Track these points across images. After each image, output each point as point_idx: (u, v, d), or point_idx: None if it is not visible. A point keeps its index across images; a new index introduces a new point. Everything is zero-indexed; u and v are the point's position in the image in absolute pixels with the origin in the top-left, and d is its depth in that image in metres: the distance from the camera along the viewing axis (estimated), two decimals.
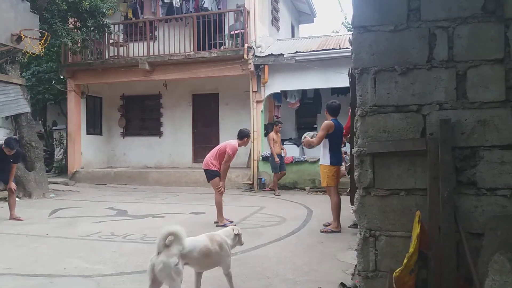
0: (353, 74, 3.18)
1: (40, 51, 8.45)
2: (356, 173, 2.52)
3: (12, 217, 6.76)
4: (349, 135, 4.54)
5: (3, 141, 7.01)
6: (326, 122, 5.60)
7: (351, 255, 4.46)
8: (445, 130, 2.30)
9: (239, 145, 6.31)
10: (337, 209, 5.59)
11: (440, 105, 2.39)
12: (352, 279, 3.73)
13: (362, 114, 2.51)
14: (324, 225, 5.89)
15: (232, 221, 6.19)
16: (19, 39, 8.05)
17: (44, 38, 8.48)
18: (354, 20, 2.55)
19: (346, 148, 10.66)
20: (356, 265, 4.04)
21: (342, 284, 3.47)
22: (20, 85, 9.94)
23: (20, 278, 3.85)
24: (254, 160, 10.71)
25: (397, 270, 2.16)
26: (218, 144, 12.26)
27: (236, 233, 3.50)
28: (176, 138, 13.07)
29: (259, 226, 6.11)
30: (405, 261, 2.15)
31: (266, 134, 11.45)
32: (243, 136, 6.42)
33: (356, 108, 2.54)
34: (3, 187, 8.71)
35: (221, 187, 6.17)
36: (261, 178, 10.53)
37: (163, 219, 6.77)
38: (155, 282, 2.84)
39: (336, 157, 5.58)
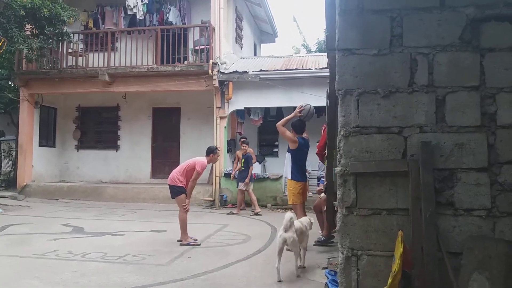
0: (332, 94, 3.26)
1: None
2: (339, 193, 2.55)
3: None
4: (324, 154, 4.61)
5: None
6: (292, 136, 5.75)
7: (319, 274, 4.47)
8: (426, 152, 2.39)
9: (208, 161, 6.25)
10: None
11: (421, 127, 2.48)
12: None
13: (345, 135, 2.55)
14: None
15: (196, 239, 6.05)
16: None
17: None
18: (339, 43, 2.61)
19: (320, 167, 10.85)
20: (326, 284, 4.07)
21: None
22: None
23: None
24: (216, 176, 10.60)
25: None
26: (178, 159, 12.32)
27: (312, 221, 4.96)
28: (134, 152, 12.69)
29: (224, 245, 6.00)
30: (389, 280, 2.18)
31: (229, 151, 11.42)
32: (210, 152, 6.36)
33: (339, 128, 2.59)
34: None
35: (187, 205, 6.03)
36: (223, 195, 10.43)
37: (122, 237, 6.48)
38: (281, 251, 4.27)
39: (299, 173, 5.65)
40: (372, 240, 2.49)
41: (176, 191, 6.05)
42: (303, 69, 10.21)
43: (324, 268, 4.67)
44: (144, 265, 4.80)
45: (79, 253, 5.24)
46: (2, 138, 13.31)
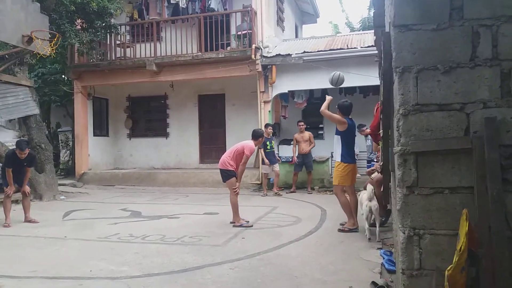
0: (386, 72, 3.19)
1: (51, 52, 8.43)
2: (398, 172, 2.52)
3: (27, 220, 6.74)
4: (379, 133, 4.53)
5: (15, 144, 6.98)
6: (340, 117, 5.65)
7: (374, 254, 4.48)
8: (490, 128, 2.30)
9: (256, 145, 6.36)
10: (352, 207, 5.62)
11: (484, 103, 2.39)
12: (380, 277, 3.74)
13: (404, 113, 2.50)
14: (340, 224, 5.89)
15: (248, 221, 6.19)
16: (30, 40, 8.02)
17: (55, 39, 8.45)
18: (395, 19, 2.55)
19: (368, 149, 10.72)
20: (382, 263, 4.07)
21: (373, 283, 3.48)
22: (28, 86, 9.91)
23: (48, 281, 3.84)
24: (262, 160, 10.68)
25: (448, 268, 2.16)
26: (225, 144, 12.54)
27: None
28: (182, 139, 13.07)
29: (276, 226, 6.11)
30: (456, 259, 2.15)
31: (273, 134, 11.45)
32: (258, 136, 6.46)
33: (398, 107, 2.54)
34: (17, 190, 8.71)
35: (237, 188, 6.17)
36: (270, 178, 10.52)
37: (178, 220, 6.76)
38: (368, 217, 5.24)
39: (349, 155, 5.57)
40: (434, 219, 2.46)
41: (227, 175, 6.21)
42: (347, 49, 10.00)
43: (379, 248, 4.66)
44: (201, 246, 5.00)
45: (139, 236, 5.54)
46: (59, 130, 14.11)
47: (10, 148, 8.26)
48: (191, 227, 6.08)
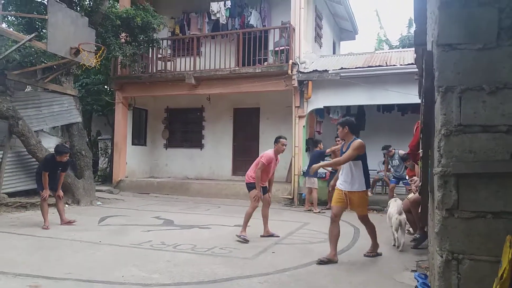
0: (427, 92, 3.14)
1: (95, 64, 8.81)
2: (438, 194, 2.45)
3: (64, 222, 6.99)
4: (418, 153, 4.42)
5: (54, 149, 7.28)
6: (359, 141, 4.95)
7: (408, 276, 4.34)
8: None
9: (275, 152, 6.28)
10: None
11: None
12: None
13: (446, 134, 2.44)
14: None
15: (279, 236, 6.18)
16: (77, 52, 8.43)
17: (100, 52, 8.84)
18: (439, 38, 2.51)
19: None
20: (416, 286, 3.92)
21: None
22: (73, 96, 10.40)
23: (82, 283, 3.95)
24: (294, 175, 10.66)
25: None
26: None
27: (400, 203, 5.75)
28: (216, 151, 13.23)
29: (307, 242, 6.04)
30: (497, 286, 2.05)
31: (307, 150, 11.39)
32: (275, 142, 6.38)
33: (439, 127, 2.48)
34: (53, 194, 9.07)
35: (256, 195, 6.11)
36: (302, 194, 10.44)
37: (209, 230, 6.81)
38: (397, 229, 5.56)
39: (368, 181, 5.10)
40: (475, 244, 2.36)
41: (249, 187, 6.28)
42: (386, 66, 9.87)
43: (413, 271, 4.51)
44: (231, 258, 5.00)
45: (171, 244, 5.61)
46: (99, 138, 14.65)
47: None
48: (222, 238, 6.11)
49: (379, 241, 6.03)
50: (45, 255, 4.99)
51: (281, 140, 6.33)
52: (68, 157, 7.18)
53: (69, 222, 7.01)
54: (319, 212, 9.22)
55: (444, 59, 2.50)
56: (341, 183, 5.06)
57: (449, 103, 2.47)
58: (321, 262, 4.76)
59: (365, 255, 5.21)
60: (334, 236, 4.96)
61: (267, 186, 6.46)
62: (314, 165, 5.42)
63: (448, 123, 2.46)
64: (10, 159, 9.11)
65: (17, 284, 3.89)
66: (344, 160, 4.93)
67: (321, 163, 5.16)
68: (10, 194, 8.93)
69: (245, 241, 5.87)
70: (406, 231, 6.39)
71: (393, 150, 9.64)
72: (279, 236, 6.20)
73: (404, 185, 8.86)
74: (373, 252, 5.24)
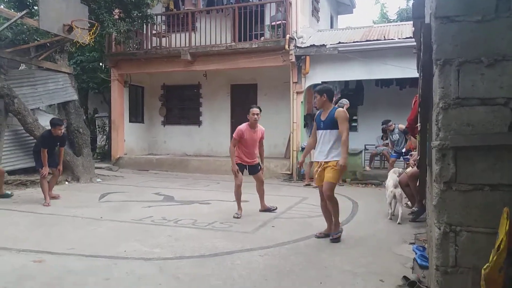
0: (425, 65, 3.11)
1: (90, 41, 8.68)
2: (436, 167, 2.47)
3: (51, 196, 7.04)
4: (416, 127, 4.42)
5: (50, 123, 7.27)
6: (343, 110, 4.73)
7: (406, 249, 4.43)
8: None
9: (249, 124, 5.99)
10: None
11: None
12: (412, 272, 3.69)
13: (444, 107, 2.44)
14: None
15: (276, 208, 6.39)
16: (70, 29, 8.30)
17: (93, 28, 8.69)
18: (437, 10, 2.47)
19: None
20: (414, 259, 4.01)
21: (404, 277, 3.45)
22: (68, 73, 10.30)
23: (85, 259, 4.01)
24: (293, 150, 10.70)
25: (485, 267, 2.11)
26: None
27: (397, 175, 5.95)
28: (214, 128, 13.22)
29: (306, 216, 6.12)
30: (494, 258, 2.10)
31: (305, 126, 11.39)
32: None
33: (438, 101, 2.48)
34: (51, 171, 9.11)
35: (232, 170, 6.07)
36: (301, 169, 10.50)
37: (209, 206, 6.89)
38: (391, 202, 5.72)
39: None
40: (472, 216, 2.40)
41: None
42: (385, 40, 9.76)
43: (411, 243, 4.60)
44: (231, 232, 5.09)
45: (171, 220, 5.68)
46: (96, 115, 14.60)
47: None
48: (222, 213, 6.18)
49: (377, 215, 6.15)
50: (47, 231, 5.06)
51: (251, 109, 5.98)
52: (63, 130, 7.23)
53: (55, 197, 7.12)
54: (310, 184, 9.31)
55: (442, 32, 2.47)
56: (317, 155, 4.79)
57: (447, 76, 2.45)
58: (319, 236, 4.81)
59: (332, 240, 4.68)
60: (328, 213, 4.90)
61: (259, 164, 6.26)
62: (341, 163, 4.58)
63: (446, 96, 2.45)
64: (7, 137, 9.10)
65: (21, 259, 3.96)
66: (348, 135, 4.61)
67: (343, 157, 4.57)
68: (10, 172, 8.95)
69: (237, 217, 5.84)
70: (405, 205, 6.51)
71: (393, 125, 9.68)
72: (276, 208, 6.33)
73: (404, 160, 8.92)
74: (338, 233, 4.74)
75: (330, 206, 4.78)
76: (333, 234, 4.75)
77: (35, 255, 4.06)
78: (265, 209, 6.35)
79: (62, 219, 5.78)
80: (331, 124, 4.66)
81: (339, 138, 4.63)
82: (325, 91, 4.80)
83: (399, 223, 5.55)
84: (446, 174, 2.44)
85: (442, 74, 2.48)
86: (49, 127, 7.43)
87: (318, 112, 4.99)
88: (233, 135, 6.06)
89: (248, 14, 10.85)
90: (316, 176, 4.85)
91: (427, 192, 3.85)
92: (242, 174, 6.11)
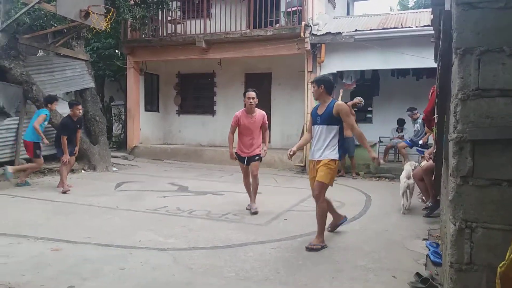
0: (444, 54, 3.02)
1: (106, 27, 8.69)
2: (453, 161, 2.40)
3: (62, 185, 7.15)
4: (433, 119, 4.31)
5: (70, 104, 7.48)
6: (342, 103, 4.40)
7: (420, 245, 4.36)
8: None
9: (245, 110, 5.65)
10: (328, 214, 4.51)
11: None
12: (425, 269, 3.64)
13: (463, 98, 2.36)
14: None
15: (255, 211, 5.68)
16: (86, 15, 8.28)
17: (110, 14, 8.69)
18: None
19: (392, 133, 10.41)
20: (427, 255, 3.95)
21: (417, 274, 3.39)
22: (85, 60, 10.35)
23: (101, 248, 4.07)
24: None
25: (500, 265, 2.05)
26: (269, 124, 12.42)
27: (413, 168, 6.00)
28: (229, 117, 12.90)
29: None
30: (511, 255, 2.04)
31: None
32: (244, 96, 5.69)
33: (456, 91, 2.40)
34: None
35: (230, 156, 5.92)
36: None
37: (222, 197, 6.90)
38: (405, 193, 5.79)
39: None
40: (488, 212, 2.33)
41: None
42: (402, 28, 9.52)
43: (424, 239, 4.53)
44: (245, 224, 5.09)
45: (186, 210, 5.71)
46: (112, 103, 14.70)
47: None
48: (235, 204, 6.19)
49: (390, 209, 6.07)
50: (64, 220, 5.15)
51: (247, 93, 5.59)
52: (81, 110, 7.49)
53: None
54: None
55: (464, 19, 2.37)
56: (312, 153, 4.34)
57: (467, 66, 2.36)
58: (311, 250, 4.06)
59: (307, 248, 4.11)
60: (328, 212, 4.42)
61: (258, 155, 5.74)
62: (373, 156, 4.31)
63: (465, 87, 2.36)
64: (26, 125, 9.22)
65: (39, 247, 4.04)
66: (357, 129, 4.33)
67: (371, 152, 4.28)
68: (28, 160, 9.11)
69: (250, 210, 5.63)
70: (419, 200, 6.43)
71: (418, 114, 9.42)
72: (255, 213, 5.60)
73: (418, 153, 8.76)
74: (317, 245, 4.13)
75: (317, 210, 4.22)
76: (311, 243, 4.13)
77: (52, 243, 4.14)
78: (249, 206, 5.77)
79: (78, 207, 5.88)
80: (329, 119, 4.18)
81: (336, 135, 4.21)
82: (323, 81, 4.33)
83: (403, 213, 5.74)
84: (463, 168, 2.37)
85: (461, 64, 2.39)
86: (66, 115, 7.54)
87: (316, 105, 4.50)
88: (231, 122, 5.81)
89: (263, 0, 10.71)
90: (310, 176, 4.40)
91: (442, 187, 3.77)
92: (245, 165, 5.75)
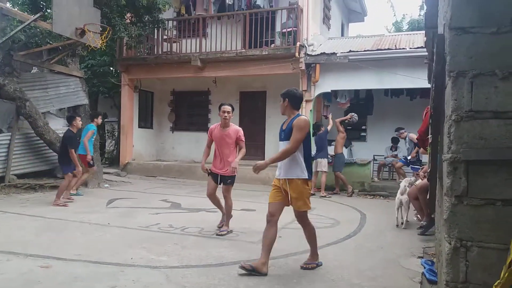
0: (438, 76, 3.08)
1: (101, 45, 8.75)
2: (447, 181, 2.43)
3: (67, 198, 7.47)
4: (426, 139, 4.36)
5: (69, 119, 7.89)
6: (303, 119, 3.91)
7: (415, 263, 4.35)
8: None
9: (220, 123, 5.51)
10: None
11: None
12: (421, 287, 3.62)
13: (456, 119, 2.40)
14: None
15: (222, 233, 5.41)
16: (82, 33, 8.37)
17: (105, 32, 8.77)
18: (452, 21, 2.44)
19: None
20: (422, 273, 3.93)
21: None
22: (79, 77, 10.38)
23: (91, 265, 4.00)
24: None
25: (495, 284, 2.06)
26: (264, 142, 12.59)
27: (407, 184, 6.25)
28: None
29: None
30: (505, 274, 2.04)
31: (314, 134, 11.32)
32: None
33: (450, 113, 2.44)
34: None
35: (201, 169, 5.71)
36: None
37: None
38: (399, 208, 6.09)
39: (310, 168, 4.00)
40: (484, 231, 2.34)
41: None
42: (396, 49, 9.73)
43: (419, 257, 4.53)
44: (238, 242, 5.05)
45: (178, 227, 5.67)
46: (106, 120, 14.64)
47: (61, 133, 8.78)
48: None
49: (385, 227, 6.08)
50: (54, 237, 5.07)
51: (222, 107, 5.39)
52: (81, 122, 7.96)
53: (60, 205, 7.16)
54: (325, 196, 9.23)
55: (457, 43, 2.44)
56: (277, 171, 4.04)
57: (460, 88, 2.42)
58: (243, 268, 3.81)
59: (302, 267, 4.09)
60: (268, 239, 3.94)
61: (231, 177, 5.50)
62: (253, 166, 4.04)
63: (459, 108, 2.41)
64: (18, 140, 9.18)
65: (28, 264, 3.97)
66: (293, 148, 3.81)
67: (265, 161, 3.98)
68: (19, 176, 9.04)
69: (220, 234, 5.31)
70: (415, 218, 6.46)
71: (405, 133, 9.86)
72: (226, 233, 5.38)
73: (412, 171, 8.83)
74: (312, 263, 4.12)
75: (305, 234, 4.19)
76: (306, 262, 4.11)
77: (43, 261, 4.07)
78: (220, 227, 5.57)
79: (69, 224, 5.80)
80: (290, 134, 3.86)
81: (300, 151, 3.88)
82: (288, 95, 3.99)
83: (397, 226, 6.09)
84: (458, 188, 2.39)
85: (455, 86, 2.44)
86: (59, 131, 7.55)
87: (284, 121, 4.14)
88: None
89: (259, 21, 10.89)
90: (273, 191, 4.05)
91: (436, 206, 3.79)
92: (216, 183, 5.54)
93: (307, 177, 3.89)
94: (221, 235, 5.29)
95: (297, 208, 3.96)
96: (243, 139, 5.58)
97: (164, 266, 4.02)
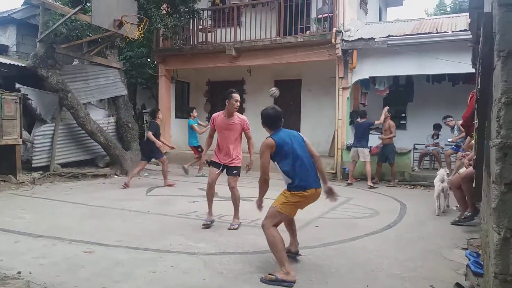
0: (485, 57, 2.90)
1: (139, 36, 8.90)
2: (496, 168, 2.28)
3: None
4: (472, 124, 4.15)
5: (152, 112, 9.03)
6: (263, 142, 3.90)
7: (459, 254, 4.19)
8: None
9: (225, 111, 5.22)
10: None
11: None
12: (465, 279, 3.48)
13: (507, 102, 2.24)
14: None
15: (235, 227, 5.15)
16: (120, 24, 8.53)
17: (142, 24, 8.90)
18: None
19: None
20: (467, 265, 3.77)
21: (457, 284, 3.25)
22: (118, 69, 10.64)
23: (132, 251, 4.12)
24: (338, 149, 10.47)
25: None
26: (299, 130, 12.31)
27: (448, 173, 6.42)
28: (258, 125, 13.11)
29: (351, 217, 5.96)
30: None
31: (351, 123, 11.09)
32: (227, 98, 5.21)
33: (499, 95, 2.28)
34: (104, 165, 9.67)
35: (200, 161, 5.68)
36: (345, 168, 10.25)
37: (251, 202, 6.76)
38: (439, 196, 6.11)
39: (302, 179, 3.76)
40: None
41: None
42: (437, 33, 9.29)
43: (463, 248, 4.35)
44: None
45: (215, 215, 5.70)
46: (144, 110, 15.00)
47: (101, 123, 9.04)
48: (264, 210, 6.09)
49: (426, 217, 5.89)
50: (97, 223, 5.26)
51: (234, 94, 5.08)
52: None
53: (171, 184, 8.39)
54: (373, 186, 8.98)
55: (507, 20, 2.27)
56: None
57: (510, 69, 2.26)
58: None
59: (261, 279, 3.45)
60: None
61: (236, 167, 5.32)
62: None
63: (509, 90, 2.25)
64: (61, 131, 9.56)
65: (72, 249, 4.13)
66: (261, 174, 3.91)
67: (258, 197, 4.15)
68: (63, 165, 9.42)
69: (205, 226, 5.04)
70: (455, 208, 6.23)
71: (453, 121, 9.27)
72: (235, 228, 5.08)
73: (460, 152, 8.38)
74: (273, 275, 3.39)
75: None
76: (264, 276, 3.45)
77: (86, 246, 4.22)
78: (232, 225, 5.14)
79: (111, 211, 5.99)
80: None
81: (279, 168, 3.87)
82: (262, 116, 4.11)
83: (437, 215, 6.01)
84: (508, 175, 2.25)
85: (505, 67, 2.28)
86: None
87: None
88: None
89: (293, 7, 10.71)
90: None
91: (482, 195, 3.60)
92: (219, 171, 5.31)
93: (290, 190, 3.76)
94: (234, 229, 5.02)
95: (273, 203, 3.86)
96: (250, 128, 5.37)
97: (202, 252, 4.08)
